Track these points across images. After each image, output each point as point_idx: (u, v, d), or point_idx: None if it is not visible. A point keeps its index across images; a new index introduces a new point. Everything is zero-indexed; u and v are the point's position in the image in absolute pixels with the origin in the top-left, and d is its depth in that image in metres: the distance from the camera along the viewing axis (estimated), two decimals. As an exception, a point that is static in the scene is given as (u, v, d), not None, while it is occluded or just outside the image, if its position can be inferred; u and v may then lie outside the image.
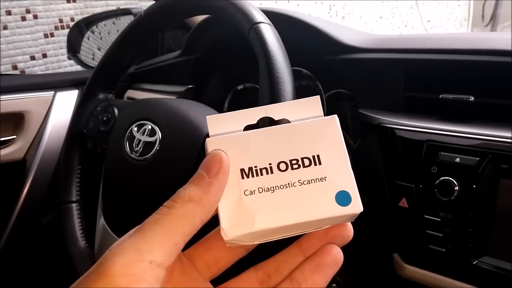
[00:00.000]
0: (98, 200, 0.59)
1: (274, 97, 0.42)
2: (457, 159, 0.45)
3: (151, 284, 0.16)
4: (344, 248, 0.24)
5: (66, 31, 1.23)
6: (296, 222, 0.19)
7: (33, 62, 1.34)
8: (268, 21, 0.48)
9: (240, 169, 0.20)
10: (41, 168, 0.78)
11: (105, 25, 1.03)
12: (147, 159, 0.52)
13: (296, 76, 0.66)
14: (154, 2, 0.67)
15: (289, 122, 0.21)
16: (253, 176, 0.19)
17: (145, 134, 0.54)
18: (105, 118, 0.62)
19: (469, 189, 0.44)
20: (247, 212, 0.19)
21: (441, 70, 0.51)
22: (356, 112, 0.56)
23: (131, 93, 0.87)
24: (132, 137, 0.55)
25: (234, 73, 0.80)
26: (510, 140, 0.42)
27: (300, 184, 0.19)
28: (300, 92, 0.70)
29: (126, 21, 1.00)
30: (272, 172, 0.20)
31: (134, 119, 0.57)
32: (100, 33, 1.04)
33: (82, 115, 0.65)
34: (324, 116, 0.21)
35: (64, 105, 0.82)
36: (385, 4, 2.83)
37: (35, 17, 1.31)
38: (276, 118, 0.22)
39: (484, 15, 2.51)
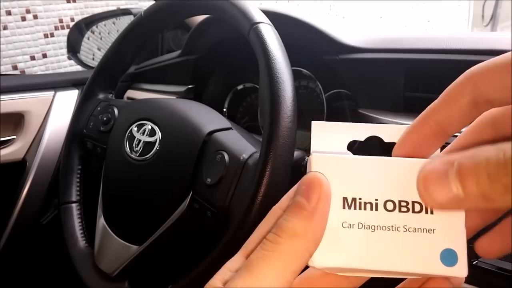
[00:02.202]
0: (98, 200, 0.59)
1: (274, 97, 0.42)
2: (457, 159, 0.45)
3: None
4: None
5: (66, 31, 1.23)
6: (391, 270, 0.17)
7: (33, 62, 1.34)
8: (268, 21, 0.48)
9: (343, 197, 0.18)
10: (41, 168, 0.78)
11: (105, 25, 1.03)
12: (147, 159, 0.52)
13: (296, 76, 0.66)
14: (154, 2, 0.67)
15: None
16: (355, 208, 0.18)
17: (145, 134, 0.54)
18: (105, 118, 0.62)
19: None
20: (341, 245, 0.17)
21: (441, 70, 0.51)
22: (356, 112, 0.56)
23: (131, 93, 0.87)
24: (132, 137, 0.55)
25: (234, 73, 0.80)
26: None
27: (405, 230, 0.17)
28: (300, 92, 0.70)
29: (126, 21, 1.00)
30: (376, 209, 0.17)
31: (134, 119, 0.57)
32: (100, 33, 1.04)
33: (82, 115, 0.65)
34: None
35: (64, 105, 0.82)
36: (385, 4, 2.83)
37: (35, 17, 1.31)
38: (386, 140, 0.20)
39: (484, 15, 2.51)
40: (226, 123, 0.53)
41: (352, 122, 0.61)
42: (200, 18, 0.73)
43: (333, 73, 0.60)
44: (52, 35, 1.37)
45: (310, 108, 0.69)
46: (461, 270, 0.17)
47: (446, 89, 0.17)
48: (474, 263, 0.44)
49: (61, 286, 0.88)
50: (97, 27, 1.02)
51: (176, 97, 0.77)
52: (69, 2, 1.39)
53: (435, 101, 0.18)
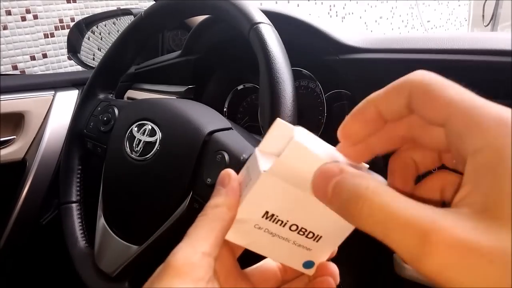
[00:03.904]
0: (98, 200, 0.59)
1: (274, 97, 0.42)
2: (457, 159, 0.45)
3: (205, 270, 0.21)
4: (344, 248, 0.24)
5: (66, 31, 1.23)
6: (271, 259, 0.25)
7: (33, 62, 1.34)
8: (268, 21, 0.48)
9: (266, 211, 0.23)
10: (41, 168, 0.78)
11: (105, 25, 1.03)
12: (147, 159, 0.52)
13: (296, 76, 0.66)
14: (154, 2, 0.67)
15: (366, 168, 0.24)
16: (270, 220, 0.23)
17: (145, 134, 0.54)
18: (105, 118, 0.62)
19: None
20: (248, 234, 0.23)
21: (441, 70, 0.50)
22: (356, 112, 0.56)
23: (131, 93, 0.87)
24: (132, 137, 0.55)
25: (234, 73, 0.80)
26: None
27: (293, 243, 0.24)
28: (300, 92, 0.70)
29: (126, 21, 1.00)
30: (283, 226, 0.23)
31: (134, 119, 0.57)
32: (100, 33, 1.04)
33: (82, 115, 0.66)
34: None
35: (64, 105, 0.82)
36: (385, 4, 2.83)
37: (35, 17, 1.31)
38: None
39: (484, 15, 2.51)
40: (226, 123, 0.53)
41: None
42: (200, 18, 0.73)
43: (333, 73, 0.60)
44: (52, 35, 1.37)
45: (310, 108, 0.69)
46: (311, 272, 0.25)
47: (393, 83, 0.20)
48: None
49: (61, 286, 0.88)
50: (97, 27, 1.02)
51: (176, 97, 0.77)
52: (69, 2, 1.39)
53: (379, 91, 0.21)
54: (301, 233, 0.23)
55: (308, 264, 0.25)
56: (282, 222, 0.23)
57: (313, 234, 0.23)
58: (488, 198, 0.15)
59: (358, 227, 0.18)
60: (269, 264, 0.27)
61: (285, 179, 0.21)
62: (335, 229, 0.23)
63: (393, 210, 0.17)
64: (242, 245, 0.24)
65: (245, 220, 0.23)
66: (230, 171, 0.24)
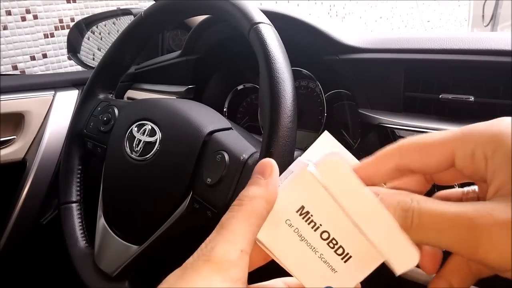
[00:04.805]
0: (98, 200, 0.59)
1: (274, 97, 0.42)
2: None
3: (243, 268, 0.20)
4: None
5: (66, 31, 1.23)
6: (290, 270, 0.22)
7: (33, 62, 1.34)
8: (268, 21, 0.48)
9: (302, 205, 0.22)
10: (41, 168, 0.78)
11: (105, 25, 1.03)
12: (147, 159, 0.52)
13: (296, 76, 0.66)
14: (154, 2, 0.67)
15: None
16: (303, 218, 0.22)
17: (145, 134, 0.54)
18: (105, 118, 0.62)
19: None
20: (274, 233, 0.22)
21: (441, 70, 0.51)
22: (356, 112, 0.56)
23: (131, 93, 0.87)
24: (132, 137, 0.55)
25: (234, 73, 0.80)
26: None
27: (319, 257, 0.22)
28: (300, 92, 0.70)
29: (126, 21, 1.00)
30: (315, 231, 0.22)
31: (134, 119, 0.57)
32: (100, 33, 1.04)
33: (82, 115, 0.66)
34: None
35: (64, 105, 0.82)
36: (385, 4, 2.83)
37: (35, 17, 1.31)
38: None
39: (484, 15, 2.51)
40: (226, 123, 0.53)
41: (352, 122, 0.60)
42: (200, 18, 0.73)
43: (333, 73, 0.60)
44: (52, 35, 1.36)
45: (310, 108, 0.69)
46: None
47: (379, 152, 0.22)
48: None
49: (61, 286, 0.88)
50: (97, 27, 1.02)
51: (176, 97, 0.77)
52: (69, 2, 1.39)
53: (369, 159, 0.22)
54: (331, 245, 0.22)
55: None
56: (315, 224, 0.22)
57: (343, 250, 0.22)
58: None
59: (413, 239, 0.20)
60: (276, 286, 0.25)
61: (325, 184, 0.21)
62: (365, 254, 0.22)
63: (441, 212, 0.19)
64: (269, 248, 0.22)
65: (278, 212, 0.22)
66: (273, 161, 0.23)
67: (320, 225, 0.22)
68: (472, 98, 0.47)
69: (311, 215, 0.22)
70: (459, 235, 0.18)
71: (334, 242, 0.22)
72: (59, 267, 0.81)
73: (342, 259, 0.22)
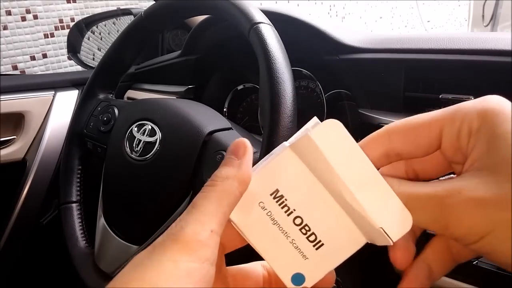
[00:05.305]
0: (98, 200, 0.59)
1: (274, 97, 0.42)
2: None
3: (213, 249, 0.20)
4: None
5: (66, 31, 1.23)
6: (260, 252, 0.22)
7: (33, 62, 1.34)
8: (268, 21, 0.48)
9: (277, 189, 0.21)
10: (41, 168, 0.78)
11: (105, 25, 1.03)
12: (147, 159, 0.52)
13: (296, 76, 0.66)
14: (154, 2, 0.67)
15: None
16: (276, 202, 0.22)
17: (145, 134, 0.54)
18: (105, 118, 0.62)
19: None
20: (247, 214, 0.22)
21: (441, 70, 0.51)
22: (356, 112, 0.56)
23: (131, 93, 0.87)
24: (132, 137, 0.55)
25: (234, 73, 0.80)
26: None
27: (291, 242, 0.22)
28: (300, 92, 0.70)
29: (126, 21, 1.00)
30: (288, 215, 0.21)
31: (134, 119, 0.57)
32: (100, 33, 1.04)
33: (82, 115, 0.66)
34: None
35: (64, 105, 0.82)
36: (385, 4, 2.83)
37: (35, 17, 1.31)
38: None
39: (484, 15, 2.51)
40: (226, 123, 0.53)
41: (352, 122, 0.61)
42: (200, 18, 0.73)
43: (333, 73, 0.60)
44: (52, 35, 1.36)
45: (310, 108, 0.69)
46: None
47: (366, 137, 0.22)
48: (474, 263, 0.44)
49: (61, 286, 0.88)
50: (97, 27, 1.02)
51: (176, 97, 0.77)
52: (69, 2, 1.39)
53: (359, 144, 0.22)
54: (303, 231, 0.22)
55: (297, 279, 0.22)
56: (289, 209, 0.21)
57: (315, 237, 0.22)
58: (488, 161, 0.18)
59: None
60: (254, 269, 0.25)
61: (307, 162, 0.21)
62: (339, 242, 0.22)
63: (414, 193, 0.20)
64: (241, 229, 0.22)
65: (252, 193, 0.22)
66: (246, 142, 0.22)
67: (294, 210, 0.21)
68: (472, 98, 0.47)
69: (285, 199, 0.21)
70: (431, 214, 0.19)
71: (306, 228, 0.22)
72: (59, 267, 0.81)
73: (314, 246, 0.22)
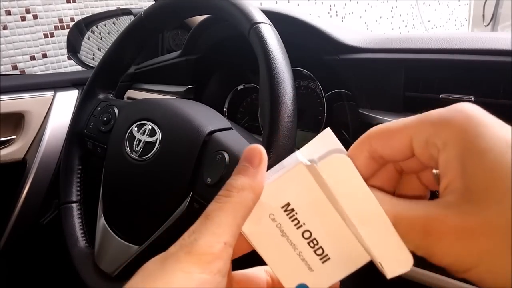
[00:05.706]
0: (98, 200, 0.59)
1: (274, 97, 0.42)
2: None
3: (225, 261, 0.20)
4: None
5: (66, 31, 1.22)
6: (268, 264, 0.23)
7: (33, 62, 1.34)
8: (268, 21, 0.48)
9: (288, 202, 0.22)
10: (41, 168, 0.78)
11: (105, 25, 1.03)
12: (147, 159, 0.52)
13: (296, 76, 0.66)
14: (154, 2, 0.67)
15: None
16: (287, 215, 0.22)
17: (145, 134, 0.54)
18: (105, 118, 0.62)
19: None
20: (257, 225, 0.22)
21: (441, 70, 0.51)
22: (356, 112, 0.56)
23: (131, 93, 0.87)
24: (132, 137, 0.55)
25: (234, 73, 0.80)
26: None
27: (298, 254, 0.22)
28: (300, 92, 0.70)
29: (126, 21, 1.00)
30: (297, 228, 0.22)
31: (134, 119, 0.57)
32: (100, 33, 1.04)
33: (82, 115, 0.66)
34: None
35: (64, 105, 0.82)
36: (385, 4, 2.83)
37: (35, 17, 1.31)
38: None
39: (484, 15, 2.51)
40: (226, 123, 0.53)
41: (352, 122, 0.61)
42: (200, 18, 0.73)
43: (333, 73, 0.60)
44: (52, 35, 1.36)
45: (310, 108, 0.69)
46: None
47: (353, 144, 0.22)
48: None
49: (61, 286, 0.88)
50: (97, 27, 1.02)
51: (176, 97, 0.77)
52: (69, 2, 1.39)
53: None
54: (311, 244, 0.22)
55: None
56: (298, 222, 0.22)
57: (323, 251, 0.22)
58: (466, 184, 0.17)
59: None
60: (258, 275, 0.26)
61: (319, 182, 0.21)
62: (345, 257, 0.22)
63: (397, 213, 0.19)
64: (250, 239, 0.22)
65: (264, 205, 0.22)
66: (262, 150, 0.22)
67: (304, 223, 0.22)
68: (472, 98, 0.47)
69: (296, 213, 0.22)
70: (415, 241, 0.19)
71: (315, 242, 0.22)
72: (59, 267, 0.81)
73: (320, 259, 0.22)
